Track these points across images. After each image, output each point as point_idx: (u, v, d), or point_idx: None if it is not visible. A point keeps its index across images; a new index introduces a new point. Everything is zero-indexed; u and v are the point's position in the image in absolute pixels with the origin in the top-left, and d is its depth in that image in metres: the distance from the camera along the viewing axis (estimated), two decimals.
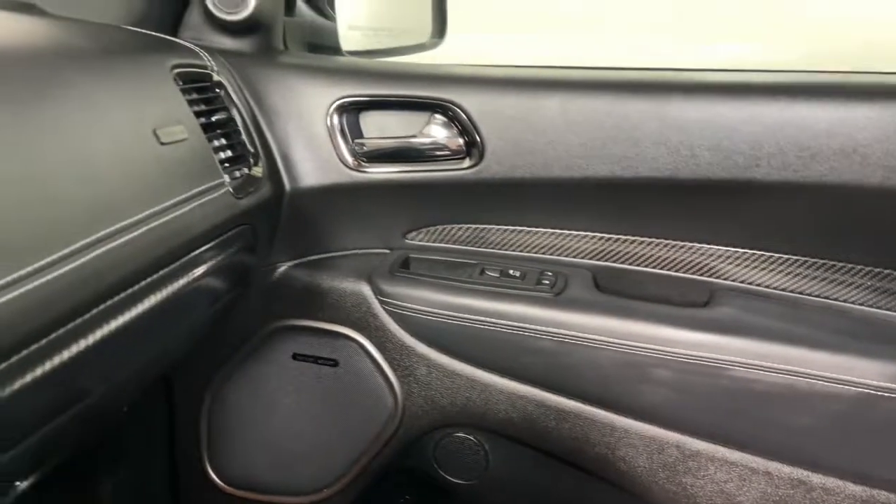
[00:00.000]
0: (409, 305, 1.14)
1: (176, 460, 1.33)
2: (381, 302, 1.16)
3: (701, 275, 1.13)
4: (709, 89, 1.02)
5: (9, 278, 0.59)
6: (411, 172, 1.12)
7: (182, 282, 0.91)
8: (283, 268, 1.21)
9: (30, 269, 0.61)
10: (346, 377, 1.22)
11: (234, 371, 1.26)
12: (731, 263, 1.11)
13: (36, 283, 0.62)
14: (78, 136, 0.73)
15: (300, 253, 1.22)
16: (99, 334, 0.77)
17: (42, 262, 0.63)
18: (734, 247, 1.10)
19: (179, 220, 0.84)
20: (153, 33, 1.04)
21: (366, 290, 1.17)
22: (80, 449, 1.09)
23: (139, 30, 1.03)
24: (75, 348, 0.74)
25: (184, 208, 0.85)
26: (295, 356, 1.23)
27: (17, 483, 0.83)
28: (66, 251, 0.66)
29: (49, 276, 0.63)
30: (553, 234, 1.17)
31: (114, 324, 0.79)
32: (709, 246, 1.11)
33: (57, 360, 0.71)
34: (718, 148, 1.00)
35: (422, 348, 1.17)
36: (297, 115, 1.11)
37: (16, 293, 0.59)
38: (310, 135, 1.11)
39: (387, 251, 1.23)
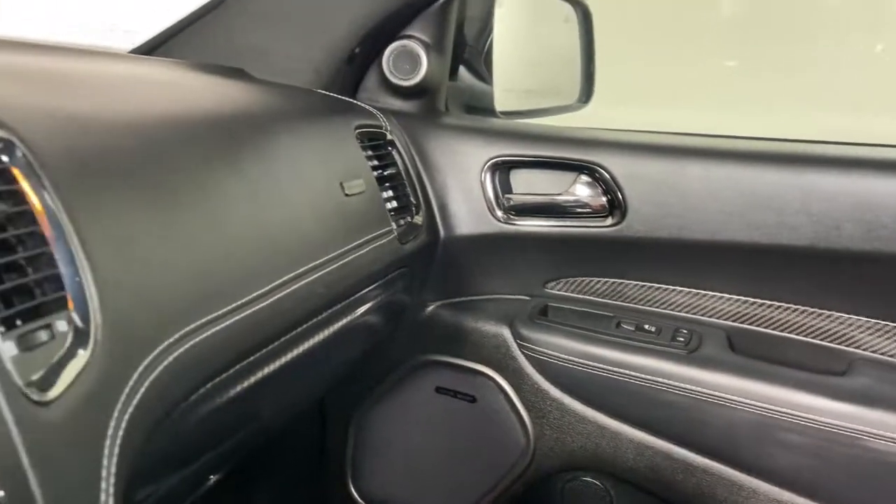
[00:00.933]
0: (547, 351, 1.21)
1: (323, 478, 1.46)
2: (520, 346, 1.25)
3: (839, 343, 1.14)
4: (855, 163, 1.05)
5: (224, 309, 0.72)
6: (555, 227, 1.21)
7: (350, 317, 1.04)
8: (431, 307, 1.33)
9: (242, 301, 0.74)
10: (483, 413, 1.31)
11: (380, 398, 1.37)
12: (870, 334, 1.12)
13: (245, 313, 0.75)
14: (285, 187, 0.87)
15: (448, 294, 1.33)
16: (281, 361, 0.90)
17: (253, 295, 0.76)
18: (874, 318, 1.11)
19: (355, 262, 0.96)
20: (339, 96, 1.19)
21: (506, 333, 1.26)
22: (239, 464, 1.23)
23: (328, 93, 1.19)
24: (261, 374, 0.88)
25: (360, 251, 0.97)
26: (437, 389, 1.33)
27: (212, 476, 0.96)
28: (269, 286, 0.79)
29: (254, 308, 0.76)
30: (689, 293, 1.22)
31: (293, 353, 0.92)
32: (848, 315, 1.13)
33: (245, 383, 0.85)
34: (862, 220, 1.02)
35: (556, 392, 1.24)
36: (455, 170, 1.23)
37: (230, 321, 0.72)
38: (465, 188, 1.22)
39: (527, 298, 1.32)
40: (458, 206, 1.23)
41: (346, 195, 0.98)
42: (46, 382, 0.49)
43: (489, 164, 1.22)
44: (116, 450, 0.53)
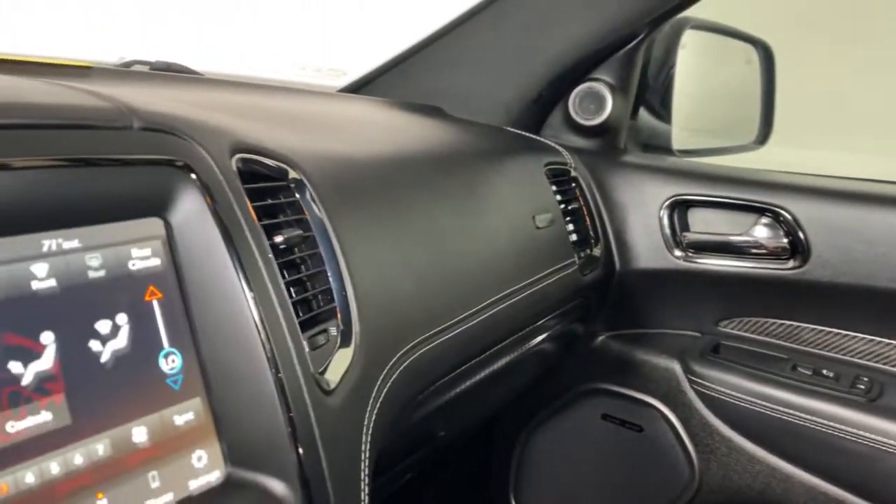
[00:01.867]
0: (718, 388, 1.23)
1: (486, 491, 1.54)
2: (691, 381, 1.27)
3: None
4: None
5: (444, 325, 0.82)
6: (733, 267, 1.23)
7: (531, 343, 1.12)
8: (602, 337, 1.38)
9: (457, 318, 0.84)
10: (648, 444, 1.34)
11: (546, 420, 1.44)
12: None
13: (458, 329, 0.84)
14: (488, 218, 0.96)
15: (619, 325, 1.37)
16: (476, 377, 0.99)
17: (465, 314, 0.85)
18: None
19: (542, 291, 1.04)
20: (528, 134, 1.28)
21: (676, 367, 1.29)
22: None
23: (518, 131, 1.28)
24: (462, 386, 0.97)
25: (547, 281, 1.05)
26: (604, 416, 1.38)
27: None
28: (477, 308, 0.88)
29: (465, 326, 0.86)
30: (871, 340, 1.20)
31: (485, 372, 1.01)
32: None
33: (450, 393, 0.94)
34: None
35: (725, 429, 1.25)
36: (634, 207, 1.28)
37: (448, 336, 0.82)
38: (643, 224, 1.27)
39: (698, 335, 1.34)
40: (635, 241, 1.28)
41: (538, 228, 1.06)
42: (327, 375, 0.60)
43: (668, 201, 1.26)
44: (369, 437, 0.64)
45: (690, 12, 1.30)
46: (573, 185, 1.24)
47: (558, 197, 1.18)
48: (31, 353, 0.44)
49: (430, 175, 0.93)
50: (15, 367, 0.43)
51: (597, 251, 1.24)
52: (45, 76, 0.68)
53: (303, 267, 0.64)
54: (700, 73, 1.50)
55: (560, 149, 1.26)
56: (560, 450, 1.44)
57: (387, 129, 1.02)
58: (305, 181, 0.66)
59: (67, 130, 0.48)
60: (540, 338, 1.15)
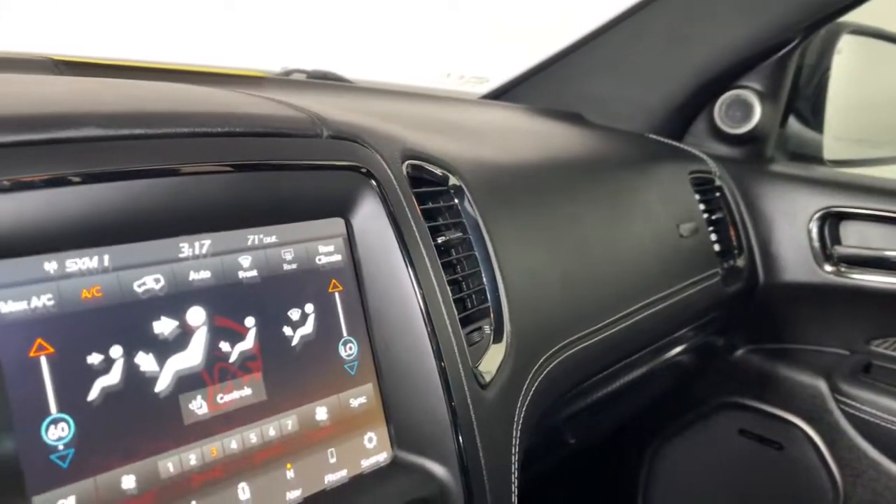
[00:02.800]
0: (869, 410, 1.18)
1: (610, 498, 1.53)
2: (838, 401, 1.22)
3: None
4: None
5: (589, 329, 0.84)
6: (889, 284, 1.17)
7: (670, 352, 1.11)
8: (741, 351, 1.34)
9: (602, 324, 0.86)
10: (788, 463, 1.29)
11: (679, 433, 1.42)
12: None
13: (602, 335, 0.86)
14: (633, 225, 0.97)
15: (760, 340, 1.34)
16: (614, 385, 1.00)
17: (609, 320, 0.87)
18: None
19: (685, 301, 1.03)
20: (671, 142, 1.28)
21: (822, 386, 1.24)
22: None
23: (661, 139, 1.28)
24: (599, 393, 0.98)
25: (690, 291, 1.04)
26: (741, 432, 1.34)
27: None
28: (620, 314, 0.89)
29: (609, 332, 0.87)
30: None
31: (623, 380, 1.01)
32: None
33: (589, 399, 0.95)
34: None
35: (874, 453, 1.19)
36: (781, 218, 1.24)
37: (591, 340, 0.84)
38: (790, 236, 1.23)
39: (845, 353, 1.28)
40: (781, 253, 1.24)
41: (681, 236, 1.06)
42: (483, 370, 0.63)
43: (818, 214, 1.21)
44: (519, 432, 0.67)
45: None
46: (717, 194, 1.22)
47: (702, 206, 1.17)
48: (237, 335, 0.50)
49: (577, 181, 0.95)
50: (224, 346, 0.49)
51: (741, 262, 1.21)
52: (224, 85, 0.75)
53: (458, 268, 0.68)
54: (857, 79, 1.44)
55: (704, 157, 1.24)
56: (693, 462, 1.41)
57: (532, 136, 1.05)
58: (464, 187, 0.70)
59: (268, 138, 0.54)
60: (679, 348, 1.15)
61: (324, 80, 1.15)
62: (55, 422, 0.41)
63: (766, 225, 1.26)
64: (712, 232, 1.17)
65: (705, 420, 1.39)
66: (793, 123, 1.50)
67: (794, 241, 1.24)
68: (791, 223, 1.24)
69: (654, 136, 1.28)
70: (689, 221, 1.09)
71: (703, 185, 1.18)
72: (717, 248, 1.17)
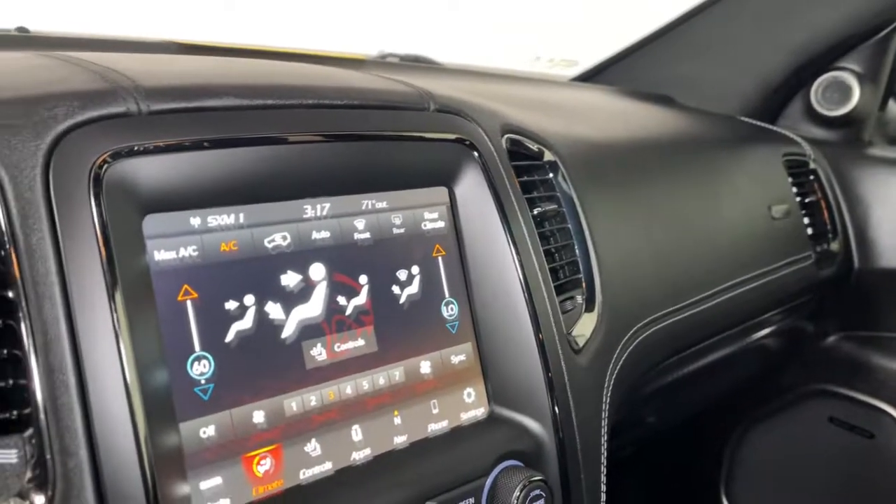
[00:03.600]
0: None
1: (694, 486, 1.53)
2: None
3: None
4: None
5: (678, 305, 0.85)
6: None
7: (758, 334, 1.11)
8: (832, 338, 1.32)
9: (691, 300, 0.87)
10: (881, 452, 1.27)
11: (763, 420, 1.40)
12: None
13: (690, 312, 0.87)
14: (725, 205, 0.98)
15: (853, 326, 1.31)
16: (698, 364, 1.01)
17: (698, 297, 0.88)
18: None
19: (776, 282, 1.03)
20: (764, 124, 1.26)
21: None
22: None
23: (752, 121, 1.26)
24: (681, 372, 0.99)
25: (781, 273, 1.04)
26: (831, 419, 1.32)
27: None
28: (710, 292, 0.90)
29: (697, 309, 0.88)
30: None
31: (709, 357, 1.02)
32: None
33: (671, 377, 0.97)
34: None
35: None
36: (880, 202, 1.21)
37: (680, 316, 0.85)
38: (889, 221, 1.20)
39: None
40: (879, 239, 1.22)
41: (773, 218, 1.05)
42: (575, 336, 0.66)
43: None
44: (608, 398, 0.69)
45: None
46: (811, 177, 1.20)
47: (795, 189, 1.15)
48: (352, 291, 0.54)
49: (669, 161, 0.96)
50: (341, 300, 0.53)
51: (835, 246, 1.19)
52: (329, 65, 0.79)
53: (552, 239, 0.71)
54: None
55: (799, 140, 1.22)
56: (779, 450, 1.40)
57: (624, 116, 1.06)
58: (559, 162, 0.73)
59: (382, 111, 0.58)
60: (768, 330, 1.14)
61: (416, 63, 1.20)
62: (198, 359, 0.46)
63: (863, 209, 1.23)
64: (805, 215, 1.16)
65: (793, 407, 1.37)
66: (893, 107, 1.45)
67: (892, 227, 1.21)
68: (889, 208, 1.21)
69: (747, 119, 1.27)
70: (781, 203, 1.08)
71: (797, 168, 1.17)
72: (809, 231, 1.15)
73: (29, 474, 0.39)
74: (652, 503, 1.55)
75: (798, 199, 1.14)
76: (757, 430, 1.42)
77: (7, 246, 0.40)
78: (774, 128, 1.26)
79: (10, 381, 0.40)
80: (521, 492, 0.54)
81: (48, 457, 0.39)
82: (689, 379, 1.02)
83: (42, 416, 0.39)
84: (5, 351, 0.40)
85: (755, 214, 1.03)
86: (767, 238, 1.03)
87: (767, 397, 1.40)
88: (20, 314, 0.40)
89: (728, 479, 1.46)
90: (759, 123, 1.26)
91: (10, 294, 0.40)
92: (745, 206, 1.02)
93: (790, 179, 1.14)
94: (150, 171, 0.45)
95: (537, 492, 0.55)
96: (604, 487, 0.66)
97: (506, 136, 0.67)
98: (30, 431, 0.39)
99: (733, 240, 0.96)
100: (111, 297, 0.42)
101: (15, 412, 0.40)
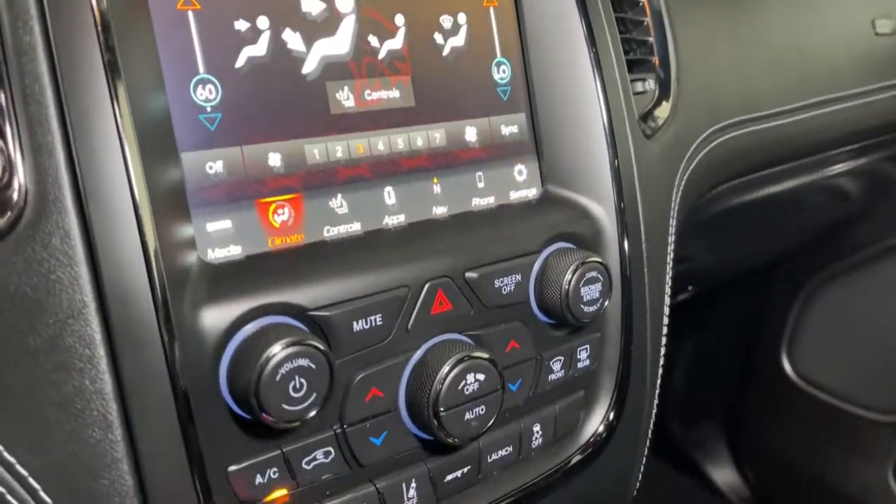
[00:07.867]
0: None
1: (753, 340, 1.45)
2: None
3: None
4: None
5: (759, 114, 0.75)
6: None
7: (836, 168, 1.00)
8: None
9: (774, 110, 0.76)
10: None
11: (838, 276, 1.30)
12: None
13: (772, 123, 0.77)
14: (822, 17, 0.85)
15: None
16: (776, 188, 0.91)
17: (783, 108, 0.77)
18: None
19: (878, 104, 0.91)
20: None
21: None
22: None
23: None
24: (758, 193, 0.90)
25: (880, 95, 0.91)
26: None
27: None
28: (797, 105, 0.79)
29: (781, 121, 0.78)
30: None
31: (785, 184, 0.92)
32: None
33: (744, 198, 0.87)
34: None
35: None
36: None
37: (761, 126, 0.75)
38: None
39: None
40: None
41: (877, 34, 0.92)
42: (648, 122, 0.58)
43: None
44: (678, 199, 0.61)
45: None
46: None
47: None
48: (386, 31, 0.46)
49: None
50: (373, 40, 0.45)
51: None
52: None
53: (628, 11, 0.61)
54: None
55: None
56: (851, 312, 1.30)
57: None
58: None
59: None
60: (849, 165, 1.02)
61: None
62: (203, 82, 0.39)
63: None
64: None
65: (870, 265, 1.26)
66: None
67: None
68: None
69: None
70: (886, 18, 0.94)
71: None
72: None
73: None
74: (705, 354, 1.48)
75: None
76: (829, 287, 1.33)
77: None
78: None
79: None
80: (574, 272, 0.47)
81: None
82: (757, 212, 0.93)
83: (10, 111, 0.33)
84: None
85: (856, 28, 0.90)
86: (869, 54, 0.90)
87: (841, 254, 1.30)
88: None
89: (793, 336, 1.38)
90: None
91: None
92: (845, 18, 0.88)
93: None
94: None
95: (594, 273, 0.48)
96: (668, 289, 0.59)
97: None
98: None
99: (830, 52, 0.84)
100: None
101: None
